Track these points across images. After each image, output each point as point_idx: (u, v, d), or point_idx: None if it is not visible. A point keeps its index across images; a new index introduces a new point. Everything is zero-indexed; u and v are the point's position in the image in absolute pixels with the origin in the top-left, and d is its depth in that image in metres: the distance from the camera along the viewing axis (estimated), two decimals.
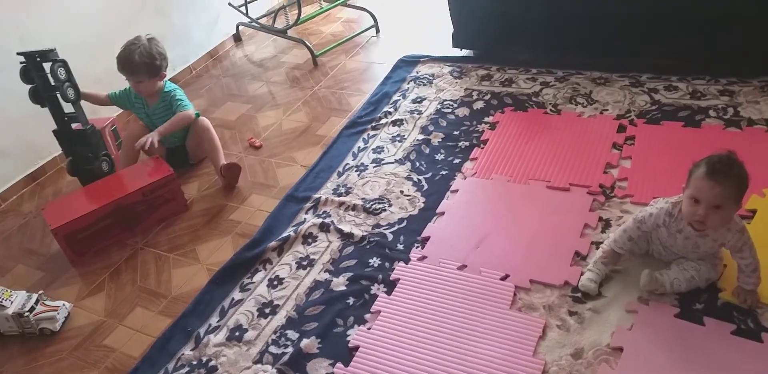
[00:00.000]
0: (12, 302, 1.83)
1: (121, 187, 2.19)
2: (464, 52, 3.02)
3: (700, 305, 1.54)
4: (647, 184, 1.95)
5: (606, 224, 1.84)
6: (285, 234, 2.04)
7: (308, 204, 2.18)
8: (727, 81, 2.39)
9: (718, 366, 1.39)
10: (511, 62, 2.82)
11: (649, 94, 2.42)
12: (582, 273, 1.67)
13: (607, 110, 2.37)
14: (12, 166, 2.61)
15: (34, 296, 1.87)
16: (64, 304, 1.90)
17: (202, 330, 1.76)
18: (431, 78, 2.84)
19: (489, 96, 2.62)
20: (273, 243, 2.01)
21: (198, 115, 2.45)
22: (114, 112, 2.79)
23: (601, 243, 1.74)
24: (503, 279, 1.72)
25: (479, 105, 2.57)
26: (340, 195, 2.20)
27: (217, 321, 1.78)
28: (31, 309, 1.83)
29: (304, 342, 1.64)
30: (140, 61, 2.27)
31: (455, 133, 2.42)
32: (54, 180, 2.69)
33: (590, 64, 2.66)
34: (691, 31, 2.38)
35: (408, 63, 3.01)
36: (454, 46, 2.94)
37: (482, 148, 2.29)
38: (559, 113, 2.41)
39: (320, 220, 2.07)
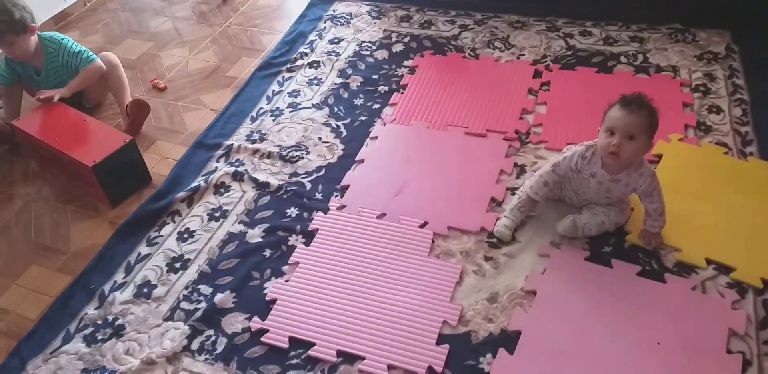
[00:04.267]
0: None
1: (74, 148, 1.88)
2: None
3: (608, 248, 1.62)
4: (561, 129, 1.99)
5: (521, 170, 1.87)
6: (195, 184, 1.92)
7: (219, 152, 2.05)
8: (638, 27, 2.44)
9: (626, 306, 1.47)
10: (431, 3, 2.72)
11: (564, 39, 2.43)
12: (498, 219, 1.70)
13: (524, 55, 2.36)
14: None
15: None
16: None
17: (106, 288, 1.65)
18: (349, 17, 2.70)
19: (408, 38, 2.53)
20: (181, 194, 1.88)
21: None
22: None
23: (516, 189, 1.78)
24: (422, 226, 1.72)
25: (398, 47, 2.48)
26: (254, 142, 2.08)
27: (123, 278, 1.67)
28: None
29: (218, 296, 1.58)
30: None
31: (374, 76, 2.33)
32: None
33: (508, 7, 2.61)
34: None
35: (324, 1, 2.83)
36: None
37: (402, 93, 2.22)
38: (477, 58, 2.38)
39: (233, 169, 1.96)
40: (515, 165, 1.89)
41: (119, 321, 1.56)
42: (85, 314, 1.59)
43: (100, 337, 1.53)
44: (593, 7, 2.53)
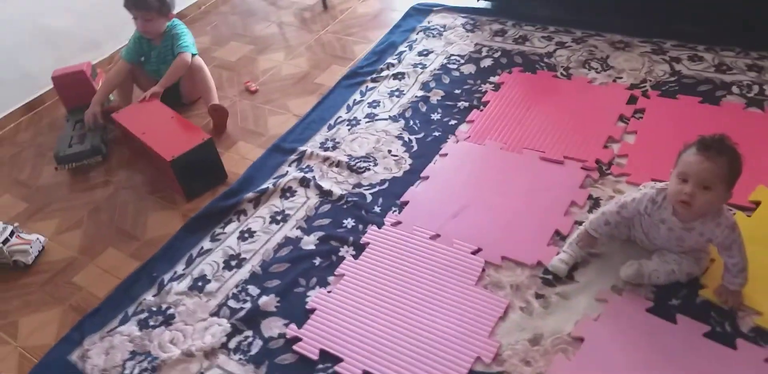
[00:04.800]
0: None
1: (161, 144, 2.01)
2: (481, 4, 2.80)
3: (676, 301, 1.46)
4: (648, 163, 1.82)
5: (595, 203, 1.74)
6: (264, 186, 1.99)
7: (293, 157, 2.11)
8: (758, 55, 2.18)
9: (682, 368, 1.31)
10: (530, 18, 2.62)
11: (670, 63, 2.22)
12: (557, 254, 1.59)
13: (621, 78, 2.19)
14: (8, 94, 2.58)
15: (9, 228, 1.88)
16: (38, 238, 1.91)
17: (166, 277, 1.75)
18: (442, 29, 2.66)
19: (499, 53, 2.45)
20: (250, 195, 1.96)
21: (194, 55, 2.35)
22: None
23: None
24: (474, 253, 1.66)
25: (487, 62, 2.41)
26: (326, 149, 2.12)
27: (183, 269, 1.77)
28: (5, 240, 1.85)
29: (263, 299, 1.62)
30: None
31: (456, 91, 2.28)
32: (51, 110, 2.66)
33: (613, 25, 2.45)
34: None
35: (420, 11, 2.82)
36: None
37: (481, 111, 2.16)
38: (569, 78, 2.25)
39: (302, 174, 2.01)
40: (589, 197, 1.76)
41: (171, 311, 1.65)
42: (144, 299, 1.70)
43: (152, 323, 1.63)
44: (709, 29, 2.30)
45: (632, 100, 2.08)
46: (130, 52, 2.37)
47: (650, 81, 2.16)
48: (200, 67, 2.34)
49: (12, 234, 1.87)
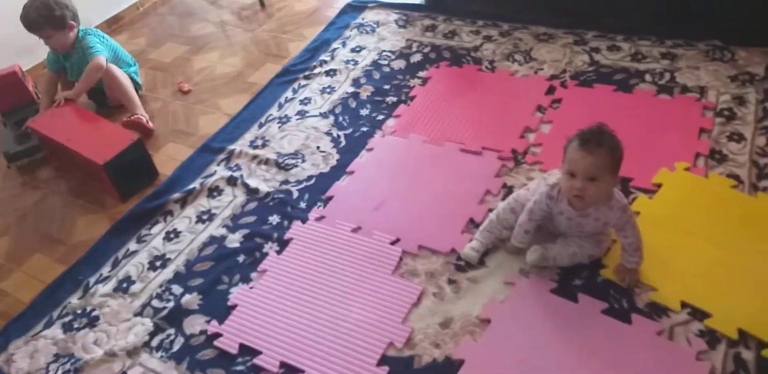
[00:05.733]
0: None
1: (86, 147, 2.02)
2: (418, 0, 2.84)
3: (579, 281, 1.53)
4: (561, 151, 1.86)
5: (509, 191, 1.80)
6: (191, 186, 2.01)
7: (221, 156, 2.13)
8: (673, 43, 2.27)
9: (581, 345, 1.38)
10: (461, 13, 2.67)
11: (589, 53, 2.30)
12: (470, 241, 1.65)
13: (543, 69, 2.26)
14: None
15: None
16: None
17: (92, 280, 1.76)
18: (375, 26, 2.70)
19: (429, 48, 2.50)
20: (177, 195, 1.98)
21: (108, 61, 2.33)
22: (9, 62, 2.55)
23: None
24: (393, 243, 1.70)
25: (417, 58, 2.46)
26: (255, 147, 2.14)
27: (109, 271, 1.78)
28: None
29: (186, 297, 1.65)
30: (37, 14, 2.16)
31: (386, 87, 2.32)
32: None
33: (539, 18, 2.51)
34: None
35: (355, 8, 2.86)
36: None
37: (408, 105, 2.20)
38: (493, 71, 2.31)
39: (229, 173, 2.03)
40: (504, 185, 1.82)
41: (95, 312, 1.66)
42: (69, 303, 1.71)
43: (76, 326, 1.64)
44: (627, 20, 2.38)
45: (551, 90, 2.15)
46: (50, 62, 2.38)
47: (569, 71, 2.23)
48: (112, 76, 2.31)
49: None
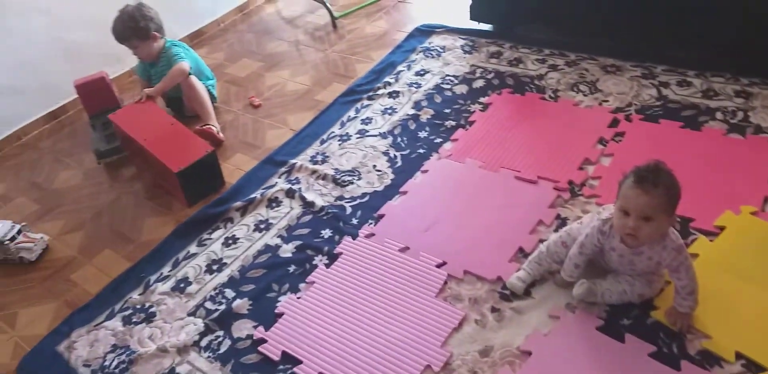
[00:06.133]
0: None
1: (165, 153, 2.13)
2: (483, 26, 2.88)
3: (627, 321, 1.49)
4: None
5: (562, 223, 1.78)
6: (252, 196, 2.10)
7: (283, 169, 2.23)
8: (749, 81, 2.19)
9: None
10: (527, 41, 2.68)
11: (658, 87, 2.25)
12: (517, 271, 1.64)
13: (608, 101, 2.24)
14: (32, 103, 2.78)
15: (17, 227, 2.04)
16: (42, 237, 2.07)
17: (153, 278, 1.87)
18: (441, 50, 2.76)
19: (492, 75, 2.52)
20: (238, 203, 2.08)
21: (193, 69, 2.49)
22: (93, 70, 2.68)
23: None
24: (439, 266, 1.72)
25: (479, 83, 2.49)
26: (315, 163, 2.22)
27: (169, 271, 1.89)
28: (12, 238, 2.00)
29: (237, 302, 1.72)
30: (124, 26, 2.35)
31: (446, 111, 2.36)
32: (72, 119, 2.85)
33: (607, 49, 2.49)
34: (722, 21, 2.16)
35: (423, 32, 2.92)
36: (471, 18, 2.81)
37: (466, 130, 2.23)
38: (556, 100, 2.30)
39: (289, 186, 2.12)
40: (557, 217, 1.81)
41: (153, 309, 1.77)
42: (130, 298, 1.82)
43: (134, 320, 1.75)
44: (701, 54, 2.32)
45: (615, 123, 2.12)
46: (139, 70, 2.60)
47: (635, 105, 2.19)
48: (191, 86, 2.46)
49: (19, 232, 2.03)
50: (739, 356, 1.36)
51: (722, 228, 1.66)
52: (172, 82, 2.43)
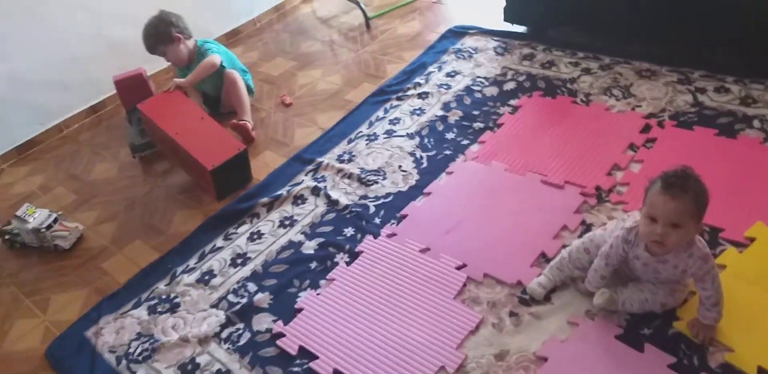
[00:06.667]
0: (34, 218, 2.09)
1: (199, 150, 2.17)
2: (516, 28, 2.86)
3: (648, 330, 1.46)
4: None
5: (587, 229, 1.75)
6: (278, 192, 2.14)
7: (310, 167, 2.26)
8: None
9: None
10: (560, 43, 2.65)
11: (694, 93, 2.20)
12: (538, 276, 1.63)
13: (641, 106, 2.19)
14: (75, 97, 2.88)
15: (54, 215, 2.13)
16: (77, 226, 2.15)
17: (179, 269, 1.93)
18: (473, 52, 2.75)
19: (524, 77, 2.50)
20: (265, 199, 2.12)
21: (227, 63, 2.53)
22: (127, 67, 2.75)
23: None
24: (459, 268, 1.72)
25: (510, 86, 2.47)
26: (342, 161, 2.25)
27: (195, 263, 1.94)
28: (49, 226, 2.09)
29: (258, 296, 1.76)
30: (148, 36, 2.43)
31: (474, 112, 2.35)
32: (111, 114, 2.95)
33: (642, 53, 2.44)
34: (763, 25, 2.09)
35: (456, 34, 2.92)
36: (504, 20, 2.79)
37: (494, 132, 2.22)
38: (588, 104, 2.27)
39: (315, 184, 2.15)
40: (582, 222, 1.78)
41: (177, 300, 1.82)
42: (156, 288, 1.88)
43: (159, 309, 1.80)
44: (740, 60, 2.25)
45: (647, 128, 2.08)
46: (178, 75, 2.64)
47: (669, 111, 2.14)
48: (233, 81, 2.51)
49: (55, 221, 2.12)
50: (761, 371, 1.32)
51: (752, 240, 1.61)
52: (203, 73, 2.46)
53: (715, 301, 1.36)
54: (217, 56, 2.48)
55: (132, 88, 2.63)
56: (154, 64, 3.04)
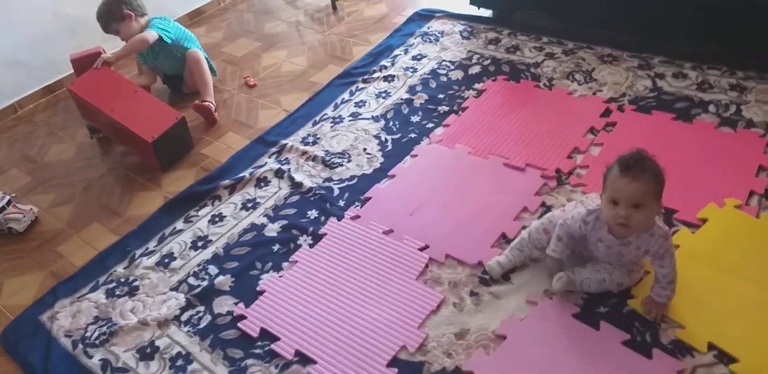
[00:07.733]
0: None
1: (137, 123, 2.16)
2: (482, 12, 2.86)
3: (604, 309, 1.50)
4: None
5: (546, 210, 1.78)
6: (241, 175, 2.11)
7: (274, 149, 2.23)
8: (744, 75, 2.17)
9: (595, 373, 1.36)
10: (526, 28, 2.66)
11: (653, 78, 2.24)
12: (499, 255, 1.65)
13: (602, 91, 2.22)
14: (30, 77, 2.77)
15: (7, 197, 2.06)
16: (32, 209, 2.08)
17: (138, 252, 1.89)
18: (439, 35, 2.74)
19: (489, 61, 2.50)
20: (227, 181, 2.08)
21: (170, 39, 2.47)
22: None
23: None
24: (422, 249, 1.73)
25: (475, 70, 2.47)
26: (306, 144, 2.22)
27: (154, 246, 1.90)
28: (2, 209, 2.02)
29: (220, 278, 1.74)
30: (99, 13, 2.39)
31: (440, 96, 2.35)
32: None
33: (605, 39, 2.47)
34: (722, 14, 2.13)
35: (423, 17, 2.90)
36: (470, 3, 2.79)
37: (458, 116, 2.22)
38: (550, 88, 2.29)
39: (278, 166, 2.12)
40: (542, 204, 1.81)
41: (136, 283, 1.78)
42: (115, 271, 1.84)
43: (117, 293, 1.77)
44: (697, 46, 2.30)
45: (607, 113, 2.11)
46: (139, 57, 2.59)
47: (629, 95, 2.18)
48: (196, 60, 2.47)
49: (9, 203, 2.04)
50: (711, 347, 1.37)
51: (705, 221, 1.66)
52: (131, 49, 2.40)
53: (671, 279, 1.40)
54: (152, 32, 2.40)
55: (90, 66, 2.53)
56: (113, 44, 2.93)
